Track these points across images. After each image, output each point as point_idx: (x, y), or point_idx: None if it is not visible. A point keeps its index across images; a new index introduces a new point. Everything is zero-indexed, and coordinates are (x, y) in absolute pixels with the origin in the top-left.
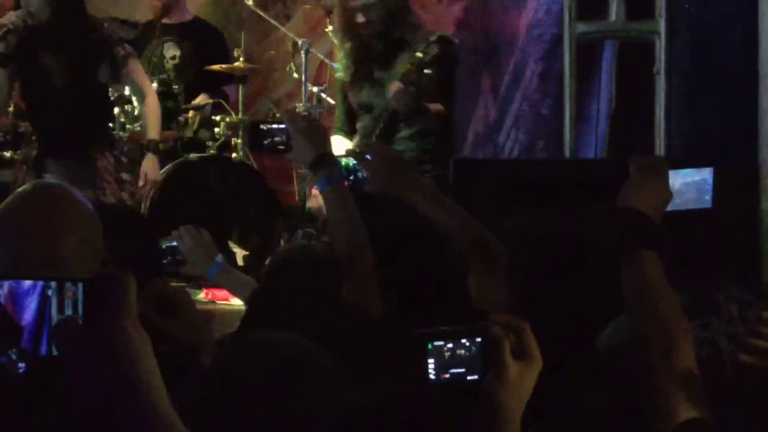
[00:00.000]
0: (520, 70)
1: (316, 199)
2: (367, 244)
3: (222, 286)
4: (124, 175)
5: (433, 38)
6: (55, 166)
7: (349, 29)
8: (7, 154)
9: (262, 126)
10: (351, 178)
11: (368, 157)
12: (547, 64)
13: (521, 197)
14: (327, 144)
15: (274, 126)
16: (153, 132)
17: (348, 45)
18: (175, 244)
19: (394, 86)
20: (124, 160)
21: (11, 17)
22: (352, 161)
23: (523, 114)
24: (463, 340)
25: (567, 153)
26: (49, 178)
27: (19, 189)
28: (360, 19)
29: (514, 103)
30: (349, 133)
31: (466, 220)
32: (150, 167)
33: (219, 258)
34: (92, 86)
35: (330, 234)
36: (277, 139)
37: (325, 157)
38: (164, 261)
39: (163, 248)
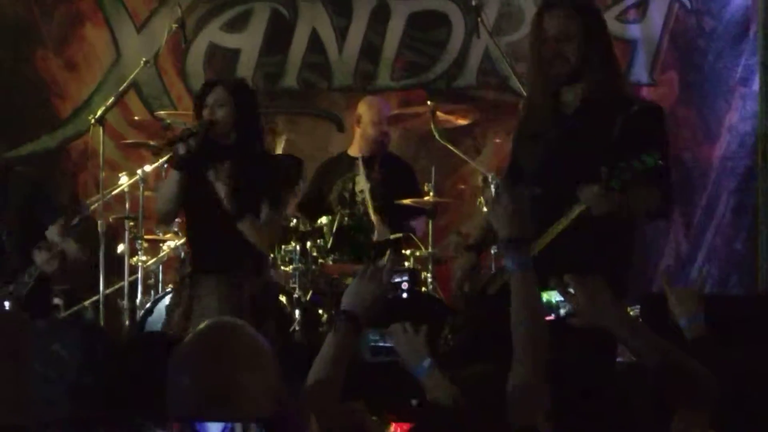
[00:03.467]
0: (713, 203)
1: None
2: (546, 337)
3: (425, 389)
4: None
5: None
6: (207, 282)
7: None
8: None
9: None
10: (556, 312)
11: (571, 290)
12: (741, 197)
13: (715, 333)
14: (527, 229)
15: None
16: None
17: None
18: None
19: None
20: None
21: (194, 123)
22: (555, 297)
23: (715, 248)
24: None
25: (761, 288)
26: (203, 296)
27: (198, 328)
28: None
29: (706, 237)
30: None
31: (672, 353)
32: None
33: (427, 362)
34: (253, 204)
35: (512, 320)
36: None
37: (520, 242)
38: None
39: (378, 346)
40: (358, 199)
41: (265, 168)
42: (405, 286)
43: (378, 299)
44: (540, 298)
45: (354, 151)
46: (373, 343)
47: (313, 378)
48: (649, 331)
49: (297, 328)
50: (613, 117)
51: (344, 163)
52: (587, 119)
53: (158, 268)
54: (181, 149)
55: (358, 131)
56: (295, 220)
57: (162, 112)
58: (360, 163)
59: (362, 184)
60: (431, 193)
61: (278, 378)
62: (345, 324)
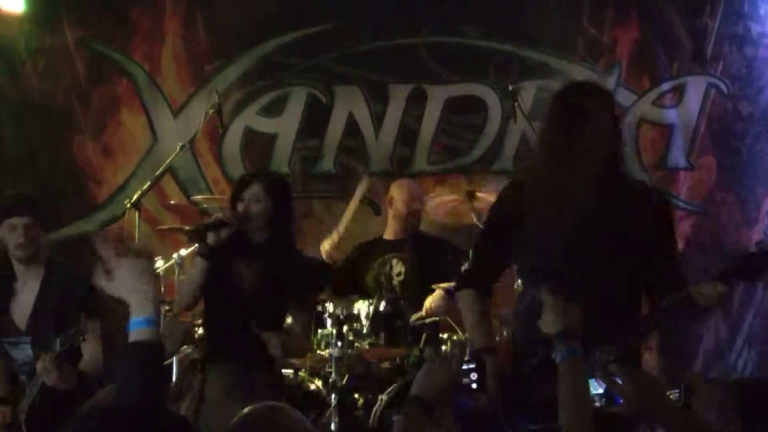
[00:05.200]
0: (752, 286)
1: None
2: (592, 425)
3: None
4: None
5: None
6: (219, 369)
7: None
8: None
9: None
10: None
11: (619, 380)
12: None
13: (755, 418)
14: (578, 320)
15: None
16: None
17: None
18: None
19: None
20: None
21: (227, 213)
22: (592, 390)
23: (755, 331)
24: None
25: None
26: (213, 382)
27: (245, 410)
28: None
29: (746, 321)
30: None
31: None
32: None
33: None
34: (280, 302)
35: (560, 407)
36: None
37: (571, 332)
38: None
39: None
40: (395, 282)
41: (296, 271)
42: (474, 376)
43: (448, 386)
44: (588, 385)
45: (388, 234)
46: None
47: None
48: (696, 418)
49: (332, 412)
50: (641, 200)
51: (379, 246)
52: (615, 197)
53: (194, 351)
54: (211, 238)
55: (390, 213)
56: (331, 305)
57: (198, 197)
58: (396, 245)
59: (399, 266)
60: None
61: None
62: (416, 409)
